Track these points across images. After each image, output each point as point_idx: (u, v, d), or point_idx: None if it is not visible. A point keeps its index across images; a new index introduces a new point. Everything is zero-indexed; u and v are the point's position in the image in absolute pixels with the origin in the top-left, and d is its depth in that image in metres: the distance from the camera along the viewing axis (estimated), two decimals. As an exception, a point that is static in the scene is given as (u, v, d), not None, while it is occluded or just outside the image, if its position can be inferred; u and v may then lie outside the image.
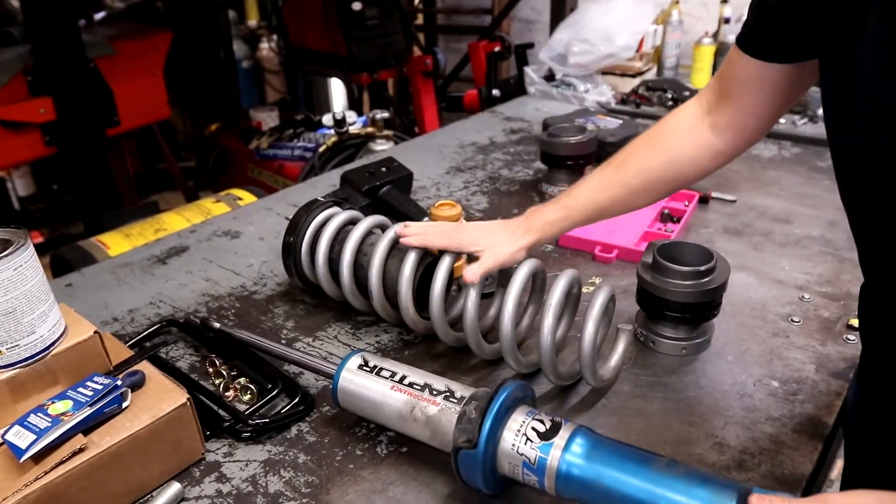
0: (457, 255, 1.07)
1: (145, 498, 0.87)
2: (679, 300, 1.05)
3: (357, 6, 2.70)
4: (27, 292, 0.82)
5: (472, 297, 1.00)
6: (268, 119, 3.39)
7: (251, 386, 1.03)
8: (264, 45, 4.16)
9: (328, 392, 1.04)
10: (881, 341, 0.86)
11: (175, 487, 0.87)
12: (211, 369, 1.08)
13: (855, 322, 1.15)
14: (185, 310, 1.27)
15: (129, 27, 2.80)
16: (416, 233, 1.07)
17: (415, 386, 0.87)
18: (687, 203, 1.57)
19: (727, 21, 2.61)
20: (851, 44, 0.70)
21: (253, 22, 4.22)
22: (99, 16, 3.03)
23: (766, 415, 0.97)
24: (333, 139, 2.54)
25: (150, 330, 1.18)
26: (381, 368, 0.91)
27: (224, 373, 1.06)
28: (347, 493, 0.87)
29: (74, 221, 3.25)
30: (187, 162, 4.03)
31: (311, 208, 1.21)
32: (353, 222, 1.20)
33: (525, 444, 0.77)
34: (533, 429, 0.77)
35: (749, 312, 1.20)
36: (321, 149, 2.54)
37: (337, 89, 4.23)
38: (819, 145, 1.96)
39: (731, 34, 2.54)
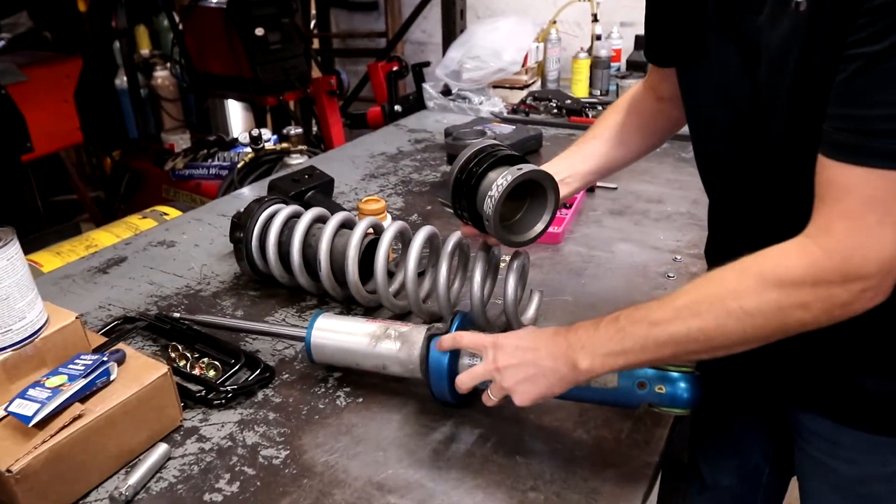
0: (395, 234, 1.25)
1: (136, 460, 0.97)
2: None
3: (259, 32, 2.83)
4: (18, 281, 0.92)
5: (411, 267, 1.18)
6: (180, 141, 3.42)
7: (215, 363, 1.15)
8: (159, 73, 4.17)
9: (286, 362, 1.19)
10: None
11: (163, 447, 0.98)
12: (174, 354, 1.19)
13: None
14: (136, 310, 1.36)
15: (38, 55, 2.80)
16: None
17: (387, 320, 1.07)
18: (577, 191, 1.81)
19: (598, 38, 2.92)
20: (699, 63, 0.93)
21: (146, 51, 4.22)
22: (-1, 44, 3.00)
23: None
24: (250, 156, 2.65)
25: (108, 327, 1.27)
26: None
27: (188, 355, 1.18)
28: (317, 437, 1.01)
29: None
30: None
31: (261, 201, 1.37)
32: (298, 215, 1.36)
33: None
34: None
35: (634, 273, 1.44)
36: (239, 165, 2.64)
37: (235, 112, 4.30)
38: (682, 140, 2.27)
39: (602, 49, 2.85)
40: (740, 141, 0.91)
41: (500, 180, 0.98)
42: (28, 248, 2.13)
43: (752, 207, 0.95)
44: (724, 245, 1.08)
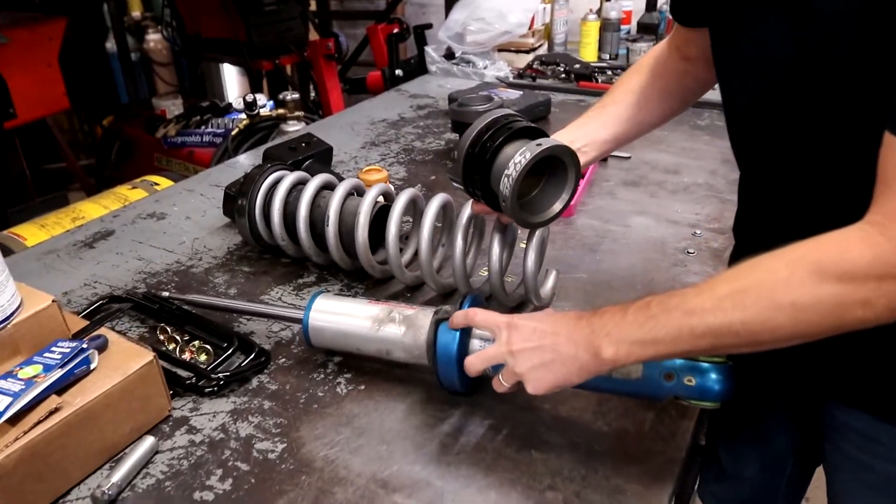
0: (408, 201, 1.17)
1: (121, 454, 0.90)
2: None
3: (254, -8, 2.70)
4: (-14, 263, 0.84)
5: (426, 235, 1.11)
6: (172, 107, 3.31)
7: (207, 346, 1.08)
8: (151, 36, 4.04)
9: (283, 345, 1.11)
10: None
11: (149, 441, 0.91)
12: (163, 336, 1.12)
13: (739, 249, 1.33)
14: (123, 288, 1.28)
15: (19, 15, 2.66)
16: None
17: (390, 302, 0.99)
18: (588, 161, 1.71)
19: (608, -1, 2.80)
20: (735, 23, 0.84)
21: (137, 13, 4.08)
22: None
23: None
24: (245, 122, 2.55)
25: (92, 307, 1.19)
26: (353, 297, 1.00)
27: (177, 338, 1.10)
28: (316, 428, 0.94)
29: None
30: (77, 160, 3.86)
31: (264, 167, 1.31)
32: (304, 181, 1.29)
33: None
34: None
35: (651, 248, 1.36)
36: (233, 132, 2.54)
37: (231, 76, 4.17)
38: (697, 107, 2.17)
39: (612, 11, 2.73)
40: (781, 110, 0.82)
41: (518, 157, 0.89)
42: (14, 220, 2.05)
43: (790, 181, 0.87)
44: (756, 221, 0.99)
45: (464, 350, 0.91)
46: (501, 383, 0.85)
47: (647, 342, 0.73)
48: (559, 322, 0.82)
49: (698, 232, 1.41)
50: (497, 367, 0.86)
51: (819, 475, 1.13)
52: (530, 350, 0.81)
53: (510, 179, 0.89)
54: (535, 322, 0.83)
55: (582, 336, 0.78)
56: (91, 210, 1.69)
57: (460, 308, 0.93)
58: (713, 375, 0.82)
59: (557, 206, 0.98)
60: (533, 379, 0.81)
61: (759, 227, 0.98)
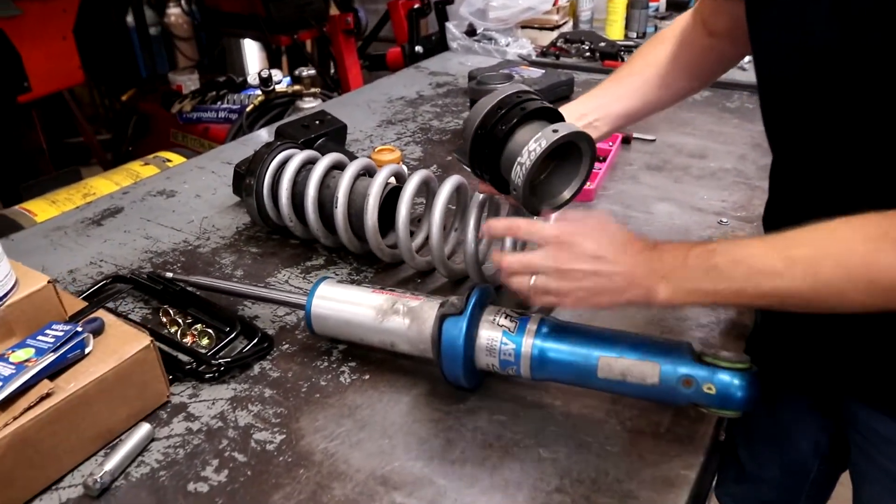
0: (420, 183, 1.13)
1: (116, 441, 0.88)
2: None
3: (272, -36, 2.65)
4: (-23, 242, 0.81)
5: (437, 219, 1.06)
6: (188, 82, 3.28)
7: (209, 330, 1.05)
8: (172, 10, 4.00)
9: (287, 330, 1.08)
10: None
11: (145, 428, 0.88)
12: (165, 318, 1.09)
13: (767, 239, 1.26)
14: (129, 267, 1.26)
15: (32, -13, 2.64)
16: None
17: (395, 291, 0.94)
18: (611, 143, 1.65)
19: (637, -26, 2.70)
20: None
21: (157, -14, 4.05)
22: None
23: (695, 322, 1.06)
24: (260, 98, 2.51)
25: (96, 287, 1.16)
26: (358, 283, 0.96)
27: (179, 321, 1.07)
28: (317, 420, 0.90)
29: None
30: (97, 135, 3.87)
31: (273, 144, 1.27)
32: (313, 160, 1.25)
33: (500, 333, 0.84)
34: (506, 315, 0.86)
35: (674, 237, 1.30)
36: (248, 108, 2.50)
37: (251, 52, 4.13)
38: (726, 88, 2.08)
39: (641, -14, 2.64)
40: (822, 88, 0.75)
41: (532, 144, 0.83)
42: (26, 195, 2.04)
43: (828, 167, 0.80)
44: (789, 210, 0.93)
45: (470, 346, 0.87)
46: (535, 290, 0.80)
47: (708, 292, 0.72)
48: (620, 253, 0.77)
49: (724, 220, 1.34)
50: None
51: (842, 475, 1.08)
52: (583, 274, 0.77)
53: (523, 168, 0.83)
54: (594, 243, 0.77)
55: (640, 272, 0.75)
56: (102, 186, 1.67)
57: (466, 302, 0.88)
58: (735, 382, 0.76)
59: (567, 194, 0.92)
60: (575, 300, 0.78)
61: (792, 216, 0.92)
